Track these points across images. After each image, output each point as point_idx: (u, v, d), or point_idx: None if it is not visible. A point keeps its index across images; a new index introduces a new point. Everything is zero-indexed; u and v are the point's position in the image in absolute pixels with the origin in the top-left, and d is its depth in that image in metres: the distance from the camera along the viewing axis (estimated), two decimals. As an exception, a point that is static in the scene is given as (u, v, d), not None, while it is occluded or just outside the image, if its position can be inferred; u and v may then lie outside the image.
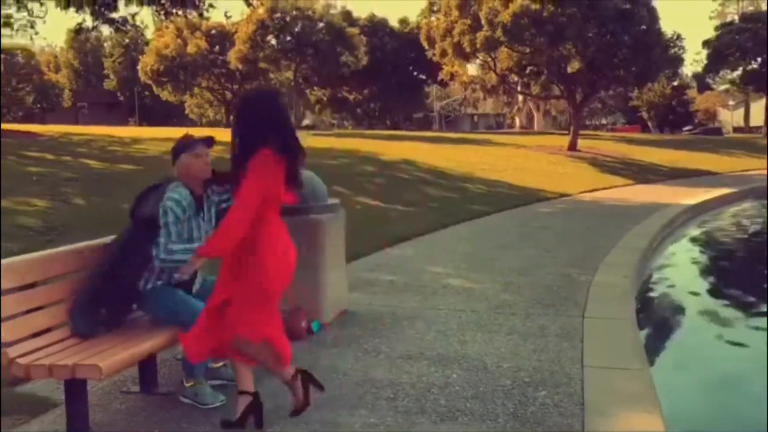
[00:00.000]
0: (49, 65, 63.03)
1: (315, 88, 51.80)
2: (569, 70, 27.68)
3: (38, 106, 52.60)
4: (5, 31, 25.39)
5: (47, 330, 3.21)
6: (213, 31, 48.13)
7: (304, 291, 4.98)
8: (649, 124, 59.71)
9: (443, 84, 47.31)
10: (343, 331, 4.95)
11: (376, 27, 52.84)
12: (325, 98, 54.73)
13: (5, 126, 21.68)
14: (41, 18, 23.28)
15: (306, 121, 58.97)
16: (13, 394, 3.66)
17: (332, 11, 47.62)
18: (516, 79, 32.33)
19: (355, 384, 3.91)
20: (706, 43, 48.80)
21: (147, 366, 3.71)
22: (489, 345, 4.60)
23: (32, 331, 3.14)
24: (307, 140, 3.74)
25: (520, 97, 48.24)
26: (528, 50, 26.76)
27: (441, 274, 6.94)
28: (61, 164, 12.19)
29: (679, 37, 27.20)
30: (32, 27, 23.59)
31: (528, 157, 23.18)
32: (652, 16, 25.79)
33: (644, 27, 25.42)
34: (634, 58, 25.29)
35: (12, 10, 22.46)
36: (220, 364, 3.94)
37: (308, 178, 5.14)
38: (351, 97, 55.46)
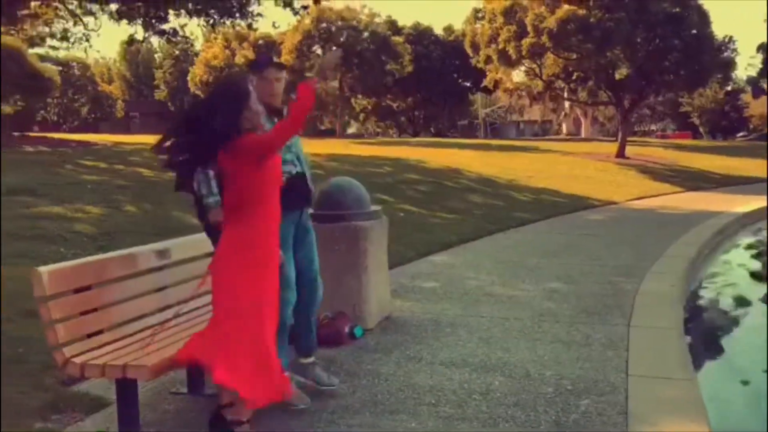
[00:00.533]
0: (102, 77, 65.02)
1: (359, 96, 52.18)
2: (617, 75, 27.29)
3: (92, 116, 54.29)
4: (62, 44, 26.38)
5: (100, 331, 3.33)
6: (260, 42, 49.01)
7: (347, 296, 5.06)
8: (701, 130, 58.22)
9: (488, 91, 47.09)
10: (386, 336, 4.98)
11: (421, 35, 52.98)
12: (369, 107, 55.07)
13: (63, 136, 22.47)
14: (95, 31, 24.12)
15: (350, 131, 59.42)
16: (68, 393, 3.80)
17: (377, 20, 47.98)
18: (562, 85, 31.97)
19: (396, 389, 3.94)
20: (760, 47, 47.43)
21: (195, 368, 3.80)
22: (532, 353, 4.58)
23: (86, 332, 3.26)
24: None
25: (567, 104, 47.68)
26: (575, 56, 26.48)
27: (484, 281, 6.92)
28: (113, 172, 12.56)
29: (731, 40, 26.59)
30: (87, 40, 24.51)
31: (575, 164, 22.89)
32: (703, 19, 25.26)
33: (695, 31, 24.91)
34: (685, 62, 24.79)
35: (69, 24, 23.36)
36: (311, 359, 3.89)
37: (351, 185, 5.22)
38: (395, 105, 55.67)
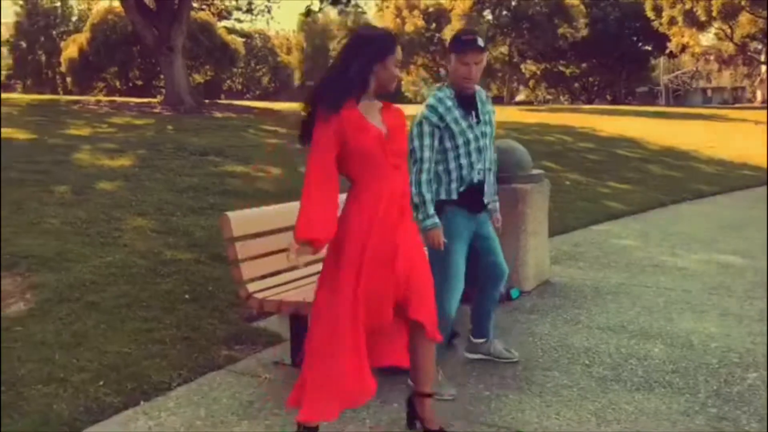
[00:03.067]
0: (282, 48, 68.69)
1: (529, 62, 50.78)
2: (826, 34, 24.34)
3: (272, 85, 57.75)
4: (246, 17, 28.28)
5: (278, 272, 3.70)
6: (430, 9, 49.17)
7: (505, 258, 5.12)
8: None
9: (672, 56, 43.86)
10: (543, 299, 5.01)
11: (598, -3, 50.24)
12: (539, 72, 53.44)
13: (247, 103, 24.24)
14: (276, 3, 25.67)
15: (519, 97, 58.19)
16: (249, 328, 4.27)
17: (551, -18, 46.13)
18: (759, 47, 29.05)
19: (550, 348, 3.98)
20: None
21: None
22: (698, 324, 4.40)
23: (266, 273, 3.65)
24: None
25: (764, 68, 43.21)
26: (774, 14, 23.94)
27: (652, 252, 6.65)
28: (291, 137, 13.38)
29: None
30: (268, 12, 26.08)
31: (768, 135, 20.83)
32: None
33: None
34: None
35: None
36: (483, 339, 3.75)
37: (512, 148, 5.24)
38: (567, 71, 53.54)
